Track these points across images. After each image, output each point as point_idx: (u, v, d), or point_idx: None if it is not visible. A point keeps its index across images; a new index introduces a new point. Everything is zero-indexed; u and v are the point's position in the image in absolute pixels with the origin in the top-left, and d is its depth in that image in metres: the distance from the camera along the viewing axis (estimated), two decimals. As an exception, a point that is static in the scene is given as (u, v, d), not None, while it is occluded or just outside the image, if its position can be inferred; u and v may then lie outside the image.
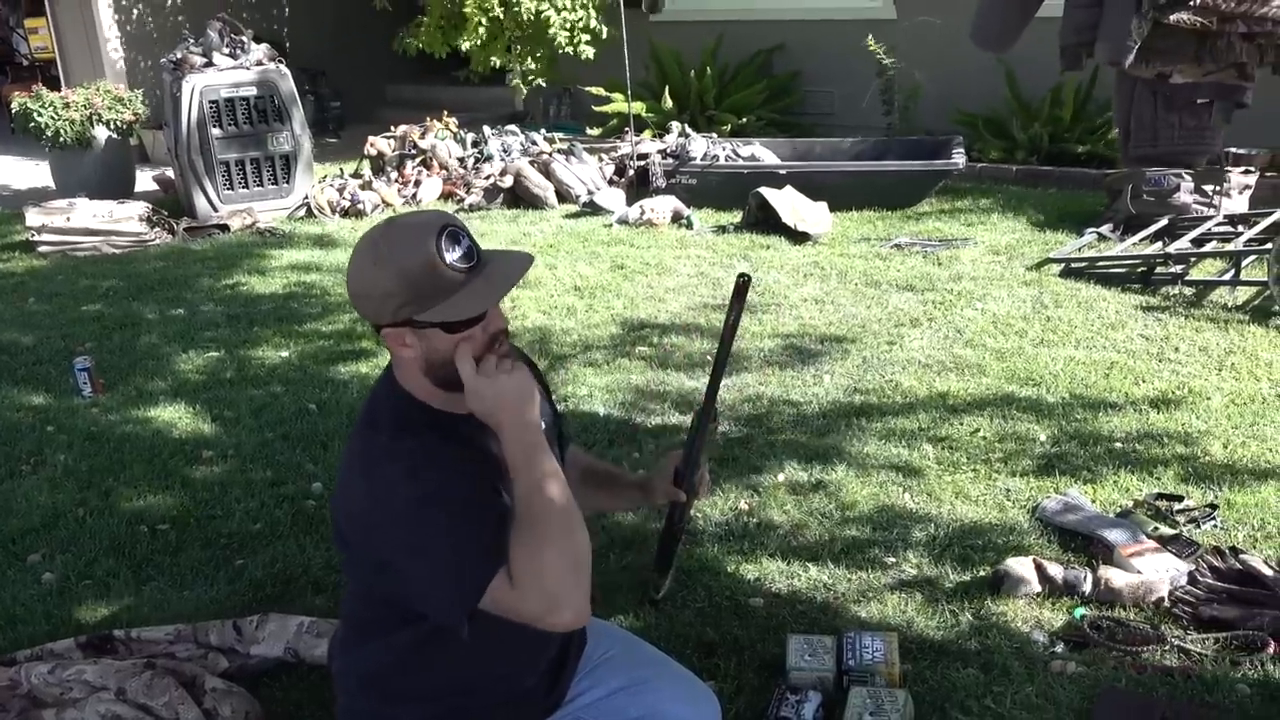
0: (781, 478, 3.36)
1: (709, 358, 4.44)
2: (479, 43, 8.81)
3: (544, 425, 1.58)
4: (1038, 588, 2.68)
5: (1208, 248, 5.43)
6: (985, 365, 4.24)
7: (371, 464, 1.45)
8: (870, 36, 8.35)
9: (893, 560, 2.89)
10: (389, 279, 1.41)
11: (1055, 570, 2.71)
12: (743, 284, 1.48)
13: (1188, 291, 5.05)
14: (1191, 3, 5.15)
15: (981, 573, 2.79)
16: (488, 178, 7.70)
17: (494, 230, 6.86)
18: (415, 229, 1.42)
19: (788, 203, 6.38)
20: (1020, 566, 2.73)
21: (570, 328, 4.94)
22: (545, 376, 1.87)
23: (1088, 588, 2.66)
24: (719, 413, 1.69)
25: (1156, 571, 2.68)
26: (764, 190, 6.46)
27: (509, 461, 1.42)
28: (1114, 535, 2.85)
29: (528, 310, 5.21)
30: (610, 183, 7.60)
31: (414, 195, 7.69)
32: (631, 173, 7.44)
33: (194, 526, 3.25)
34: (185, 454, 3.75)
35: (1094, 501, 3.14)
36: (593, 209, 7.20)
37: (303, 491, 3.42)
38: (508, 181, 7.55)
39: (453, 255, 1.41)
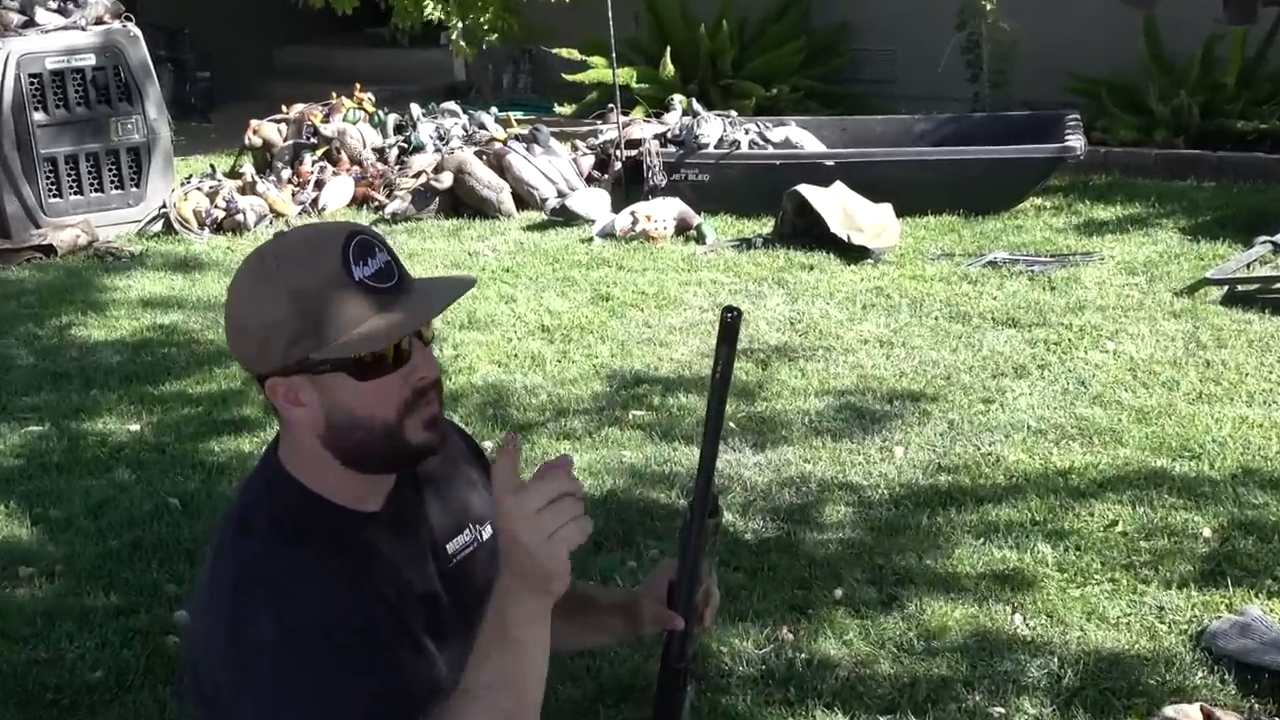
0: (839, 594, 3.40)
1: (733, 425, 4.44)
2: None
3: (482, 533, 1.62)
4: (1208, 747, 2.67)
5: None
6: (1121, 430, 4.26)
7: (238, 586, 1.46)
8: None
9: (1000, 711, 2.88)
10: (278, 304, 1.45)
11: (1232, 722, 2.67)
12: (731, 322, 1.48)
13: (1403, 324, 5.09)
14: None
15: (1128, 726, 2.79)
16: (417, 176, 7.71)
17: (426, 249, 6.84)
18: (316, 238, 1.49)
19: (837, 205, 6.37)
20: (1183, 718, 2.71)
21: (536, 384, 4.95)
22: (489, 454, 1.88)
23: (1279, 745, 2.64)
24: (720, 500, 1.67)
25: (1375, 721, 2.67)
26: (804, 189, 6.45)
27: (493, 616, 1.39)
28: (1313, 670, 2.82)
29: (476, 360, 5.19)
30: (589, 181, 7.60)
31: (315, 201, 7.71)
32: (619, 167, 7.46)
33: (7, 677, 3.20)
34: (-6, 571, 3.72)
35: (1282, 622, 3.12)
36: (565, 218, 7.23)
37: (161, 623, 3.39)
38: (445, 180, 7.59)
39: (364, 271, 1.46)
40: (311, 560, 1.45)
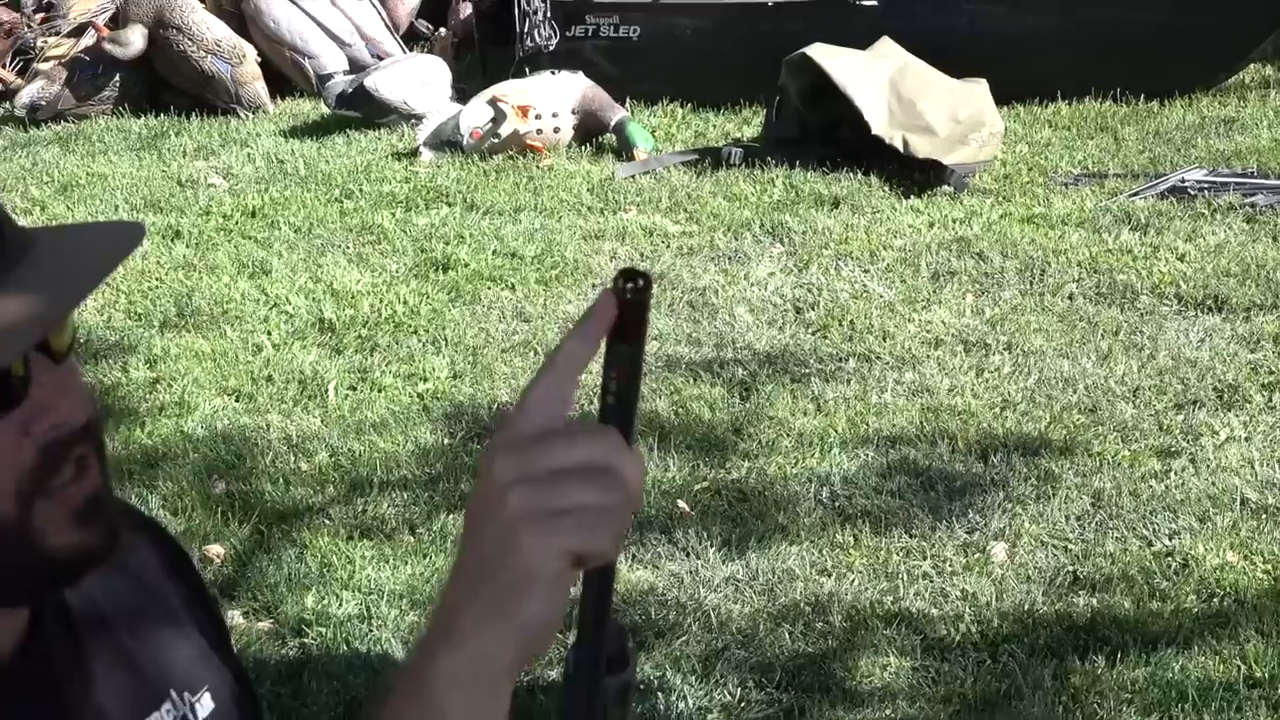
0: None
1: (682, 504, 3.75)
2: None
3: (196, 709, 1.29)
4: None
5: None
6: None
7: None
8: None
9: None
10: None
11: None
12: (633, 298, 1.03)
13: None
14: None
15: None
16: (77, 34, 6.48)
17: (95, 174, 5.98)
18: None
19: (884, 86, 5.31)
20: None
21: (309, 433, 4.14)
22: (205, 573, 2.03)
23: None
24: (631, 645, 1.12)
25: None
26: (820, 54, 5.34)
27: (414, 653, 1.06)
28: None
29: (192, 389, 4.38)
30: (410, 41, 6.61)
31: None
32: (469, 13, 6.29)
33: None
34: None
35: None
36: (366, 112, 6.04)
37: None
38: (135, 43, 6.33)
39: None
40: None
